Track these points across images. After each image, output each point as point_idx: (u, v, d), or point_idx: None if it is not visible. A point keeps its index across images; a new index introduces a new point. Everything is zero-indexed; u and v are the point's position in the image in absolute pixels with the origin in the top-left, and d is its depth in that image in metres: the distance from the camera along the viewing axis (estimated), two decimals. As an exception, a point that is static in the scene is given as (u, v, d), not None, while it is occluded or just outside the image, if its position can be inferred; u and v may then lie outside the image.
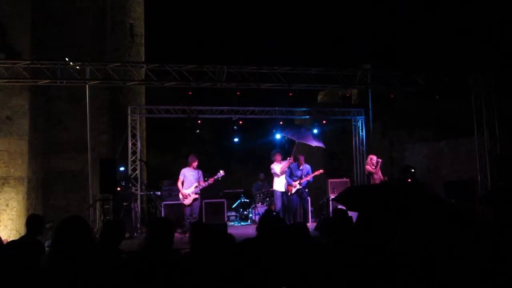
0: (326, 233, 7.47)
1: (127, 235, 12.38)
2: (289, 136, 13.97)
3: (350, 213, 6.34)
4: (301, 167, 13.11)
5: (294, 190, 12.92)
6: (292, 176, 13.04)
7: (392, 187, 7.91)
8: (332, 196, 14.52)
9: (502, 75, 13.97)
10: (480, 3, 18.43)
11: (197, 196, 12.31)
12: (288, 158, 13.20)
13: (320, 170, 13.40)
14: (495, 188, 12.55)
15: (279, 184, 13.16)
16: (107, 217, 11.79)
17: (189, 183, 12.28)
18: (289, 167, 13.08)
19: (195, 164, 12.41)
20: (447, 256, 4.55)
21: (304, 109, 17.23)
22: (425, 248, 4.72)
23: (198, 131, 16.26)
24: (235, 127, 17.15)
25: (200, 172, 12.44)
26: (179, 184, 12.34)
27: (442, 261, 4.48)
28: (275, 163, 13.21)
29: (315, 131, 15.90)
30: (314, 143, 13.69)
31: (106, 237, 4.93)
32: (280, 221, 4.69)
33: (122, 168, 15.35)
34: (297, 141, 13.63)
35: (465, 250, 4.61)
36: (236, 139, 17.49)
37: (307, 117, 17.72)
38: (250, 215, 15.82)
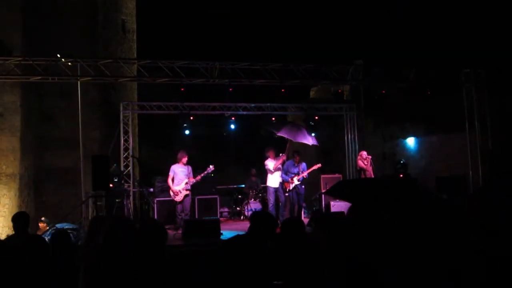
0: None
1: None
2: (283, 135, 13.96)
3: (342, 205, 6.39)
4: (296, 164, 13.14)
5: (291, 187, 12.97)
6: (288, 173, 13.07)
7: (384, 181, 7.92)
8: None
9: (493, 70, 14.04)
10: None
11: (188, 192, 12.32)
12: (281, 155, 13.21)
13: (318, 165, 13.44)
14: (487, 184, 12.63)
15: (272, 180, 13.17)
16: (99, 214, 11.78)
17: (180, 179, 12.28)
18: (283, 165, 13.10)
19: (184, 160, 12.41)
20: (436, 250, 4.59)
21: (296, 105, 17.27)
22: (415, 240, 4.76)
23: (185, 125, 16.20)
24: (230, 125, 17.15)
25: (190, 168, 12.45)
26: (169, 180, 12.34)
27: (432, 255, 4.51)
28: (269, 159, 13.21)
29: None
30: (310, 142, 13.70)
31: (90, 233, 4.94)
32: (271, 218, 4.70)
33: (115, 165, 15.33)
34: (293, 140, 13.64)
35: (455, 243, 4.65)
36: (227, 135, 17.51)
37: (300, 113, 17.76)
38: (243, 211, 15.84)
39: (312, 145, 14.04)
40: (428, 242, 4.79)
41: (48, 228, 11.68)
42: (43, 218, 12.00)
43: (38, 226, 12.36)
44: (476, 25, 17.68)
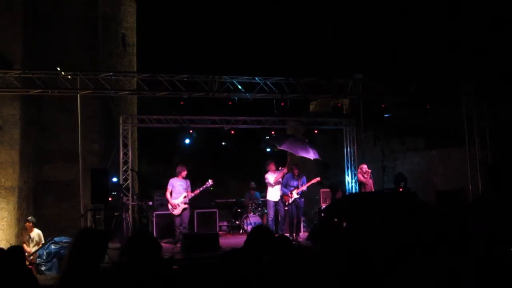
0: (316, 239, 7.48)
1: (118, 245, 12.34)
2: (286, 149, 13.93)
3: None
4: (296, 177, 13.09)
5: (291, 200, 12.91)
6: (287, 186, 13.01)
7: (385, 196, 7.91)
8: (324, 206, 14.52)
9: (493, 84, 14.05)
10: (470, 13, 18.58)
11: (186, 206, 12.27)
12: (281, 168, 13.17)
13: (317, 178, 13.39)
14: (483, 197, 12.64)
15: (272, 194, 13.11)
16: (98, 228, 11.73)
17: (178, 193, 12.24)
18: (283, 178, 13.05)
19: (184, 174, 12.39)
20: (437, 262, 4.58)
21: (296, 118, 17.29)
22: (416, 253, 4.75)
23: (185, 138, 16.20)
24: (223, 143, 17.16)
25: (188, 182, 12.43)
26: (168, 194, 12.32)
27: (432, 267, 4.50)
28: (269, 172, 13.16)
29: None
30: (312, 156, 13.67)
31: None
32: (269, 233, 4.68)
33: (115, 179, 15.32)
34: (295, 154, 13.62)
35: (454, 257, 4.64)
36: (227, 149, 17.52)
37: (299, 126, 17.77)
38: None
39: (314, 159, 14.02)
40: (428, 252, 4.78)
41: (36, 234, 11.62)
42: (29, 218, 11.91)
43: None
44: (476, 39, 17.75)
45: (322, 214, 14.08)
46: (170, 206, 12.32)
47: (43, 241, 11.59)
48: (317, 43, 24.43)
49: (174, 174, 12.53)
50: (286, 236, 5.39)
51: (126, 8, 18.53)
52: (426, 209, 6.10)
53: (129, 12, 18.75)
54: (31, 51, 14.26)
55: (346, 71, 17.64)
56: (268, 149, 16.99)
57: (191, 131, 16.14)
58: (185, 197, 12.20)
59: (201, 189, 12.50)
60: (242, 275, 3.55)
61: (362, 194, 12.47)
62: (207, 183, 12.55)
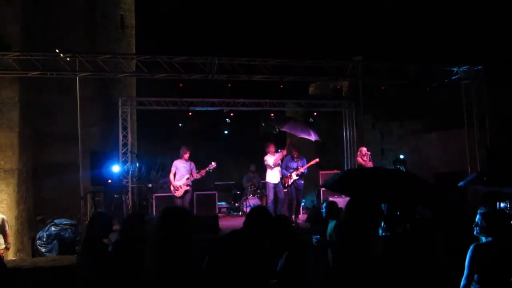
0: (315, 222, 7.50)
1: (117, 227, 12.39)
2: (286, 130, 13.90)
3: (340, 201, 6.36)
4: (295, 159, 13.11)
5: (290, 182, 12.94)
6: (287, 168, 13.04)
7: (385, 173, 7.87)
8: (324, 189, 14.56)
9: (493, 67, 14.01)
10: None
11: (188, 188, 12.32)
12: (280, 150, 13.18)
13: (316, 160, 13.41)
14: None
15: (272, 176, 13.13)
16: (98, 210, 11.76)
17: (181, 175, 12.28)
18: (282, 160, 13.07)
19: (186, 156, 12.41)
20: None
21: (295, 101, 17.27)
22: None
23: (180, 125, 16.21)
24: (227, 119, 17.10)
25: (192, 164, 12.46)
26: (171, 176, 12.35)
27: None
28: (268, 154, 13.17)
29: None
30: (313, 137, 13.67)
31: (91, 228, 4.94)
32: (268, 213, 4.68)
33: (117, 168, 15.25)
34: (297, 135, 13.63)
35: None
36: (226, 131, 17.53)
37: (298, 109, 17.76)
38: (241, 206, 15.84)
39: (315, 140, 14.02)
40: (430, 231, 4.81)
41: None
42: None
43: (36, 222, 12.30)
44: (475, 21, 17.67)
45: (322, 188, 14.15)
46: (172, 188, 12.37)
47: (7, 227, 10.38)
48: (316, 25, 24.32)
49: (177, 156, 12.57)
50: (284, 216, 5.40)
51: (125, -10, 18.40)
52: (426, 187, 6.10)
53: (127, -6, 18.61)
54: (30, 33, 14.18)
55: (345, 53, 17.60)
56: (276, 130, 17.01)
57: (189, 114, 16.13)
58: (187, 179, 12.24)
59: (204, 171, 12.56)
60: (242, 256, 3.57)
61: (360, 172, 12.41)
62: (210, 165, 12.62)
